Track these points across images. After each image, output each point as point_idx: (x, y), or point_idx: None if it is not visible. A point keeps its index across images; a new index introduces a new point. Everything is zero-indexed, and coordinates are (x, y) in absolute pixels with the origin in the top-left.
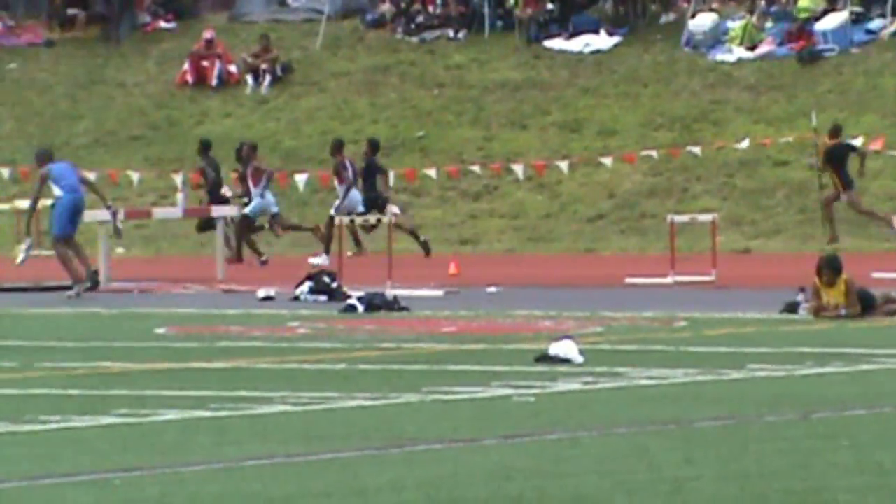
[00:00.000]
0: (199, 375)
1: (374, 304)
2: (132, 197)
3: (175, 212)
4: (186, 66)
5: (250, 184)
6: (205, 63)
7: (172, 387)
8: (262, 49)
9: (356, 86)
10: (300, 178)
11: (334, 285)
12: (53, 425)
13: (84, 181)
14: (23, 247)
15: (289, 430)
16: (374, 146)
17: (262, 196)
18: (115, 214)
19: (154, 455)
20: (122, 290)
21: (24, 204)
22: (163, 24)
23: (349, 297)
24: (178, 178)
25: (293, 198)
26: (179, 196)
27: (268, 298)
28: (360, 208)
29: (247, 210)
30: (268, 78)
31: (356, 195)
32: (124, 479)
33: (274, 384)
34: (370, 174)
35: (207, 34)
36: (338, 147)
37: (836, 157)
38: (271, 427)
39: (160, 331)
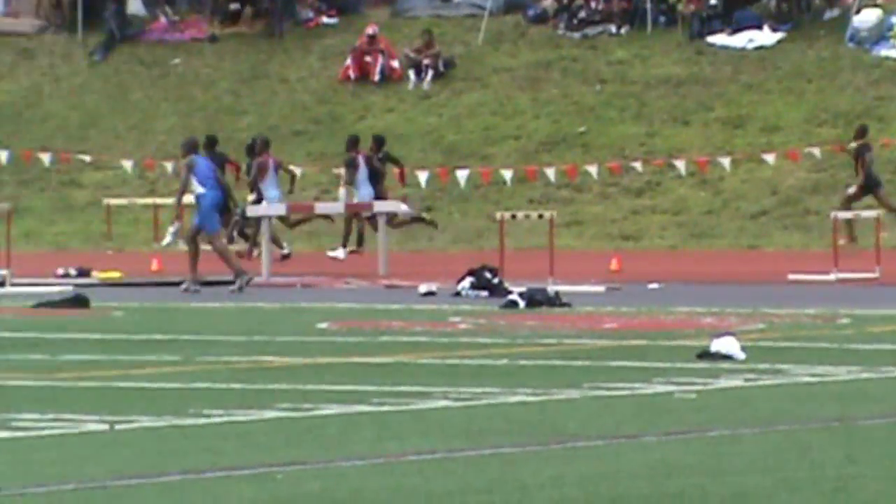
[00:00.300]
0: (360, 370)
1: (536, 299)
2: (295, 191)
3: (337, 206)
4: (349, 61)
5: (257, 180)
6: (367, 58)
7: (334, 381)
8: (425, 44)
9: (518, 81)
10: (461, 174)
11: (496, 281)
12: (216, 419)
13: (219, 181)
14: (171, 229)
15: (450, 425)
16: (378, 143)
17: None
18: (237, 222)
19: (316, 449)
20: (285, 284)
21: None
22: (325, 19)
23: (510, 292)
24: (340, 173)
25: (454, 193)
26: (341, 191)
27: (429, 294)
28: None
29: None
30: (430, 73)
31: (367, 192)
32: (286, 473)
33: (435, 379)
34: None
35: (370, 29)
36: (353, 143)
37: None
38: (432, 422)
39: (322, 325)
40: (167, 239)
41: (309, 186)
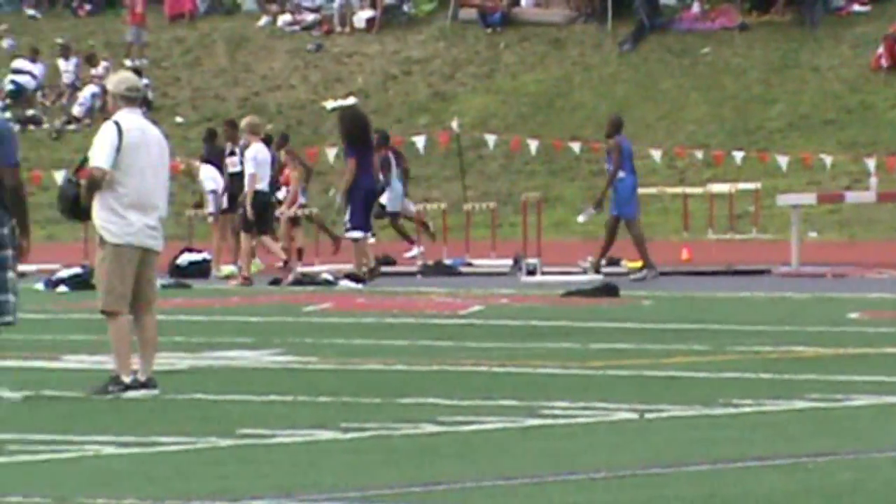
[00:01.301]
0: (892, 361)
1: None
2: (825, 181)
3: (869, 196)
4: (881, 49)
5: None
6: None
7: (866, 372)
8: None
9: None
10: None
11: None
12: (746, 409)
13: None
14: (589, 210)
15: None
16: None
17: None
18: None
19: (847, 440)
20: (814, 274)
21: (717, 188)
22: (857, 7)
23: None
24: (871, 163)
25: None
26: (873, 180)
27: None
28: (402, 202)
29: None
30: None
31: (399, 189)
32: (817, 463)
33: None
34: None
35: None
36: (384, 140)
37: None
38: None
39: (853, 315)
40: (582, 217)
41: (839, 175)
